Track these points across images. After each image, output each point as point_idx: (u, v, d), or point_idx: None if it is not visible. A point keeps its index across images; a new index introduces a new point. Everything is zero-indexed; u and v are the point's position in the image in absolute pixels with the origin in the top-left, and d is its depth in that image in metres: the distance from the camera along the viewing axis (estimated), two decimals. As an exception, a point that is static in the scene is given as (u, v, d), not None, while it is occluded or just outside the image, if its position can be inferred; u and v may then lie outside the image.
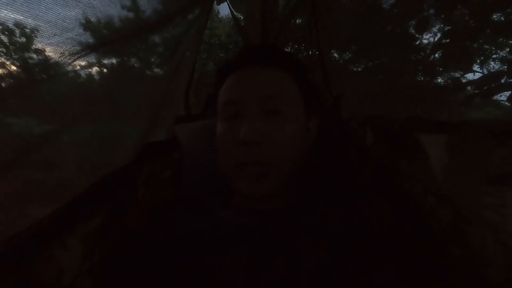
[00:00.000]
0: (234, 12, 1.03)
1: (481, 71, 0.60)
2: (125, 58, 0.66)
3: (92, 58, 0.57)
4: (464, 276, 0.37)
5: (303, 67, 0.55)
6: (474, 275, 0.36)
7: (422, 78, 0.71)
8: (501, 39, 0.61)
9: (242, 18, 1.07)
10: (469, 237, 0.36)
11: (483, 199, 0.36)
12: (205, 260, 0.40)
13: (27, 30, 0.48)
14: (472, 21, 0.61)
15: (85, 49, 0.51)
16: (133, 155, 0.55)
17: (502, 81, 0.53)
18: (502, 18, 0.56)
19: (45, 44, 0.49)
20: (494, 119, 0.43)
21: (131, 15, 0.62)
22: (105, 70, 0.59)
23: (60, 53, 0.49)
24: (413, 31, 0.67)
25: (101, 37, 0.52)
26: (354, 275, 0.37)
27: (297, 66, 0.53)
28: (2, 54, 0.46)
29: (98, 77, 0.58)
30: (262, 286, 0.37)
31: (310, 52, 0.95)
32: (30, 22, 0.46)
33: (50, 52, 0.50)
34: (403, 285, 0.37)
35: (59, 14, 0.48)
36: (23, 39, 0.48)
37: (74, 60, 0.49)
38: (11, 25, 0.45)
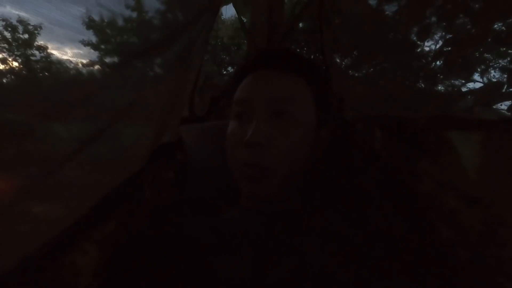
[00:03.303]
0: (234, 14, 1.03)
1: (481, 80, 0.61)
2: (127, 57, 0.66)
3: (94, 57, 0.57)
4: (477, 283, 0.36)
5: (321, 75, 0.55)
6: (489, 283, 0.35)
7: (423, 85, 0.71)
8: (502, 48, 0.62)
9: (245, 20, 1.08)
10: (501, 239, 0.35)
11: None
12: (211, 261, 0.40)
13: (30, 27, 0.48)
14: (473, 30, 0.62)
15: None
16: (145, 158, 0.55)
17: (503, 90, 0.53)
18: (503, 27, 0.57)
19: (48, 41, 0.49)
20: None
21: (134, 14, 0.62)
22: (107, 69, 0.59)
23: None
24: (415, 38, 0.67)
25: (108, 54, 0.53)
26: (360, 277, 0.37)
27: (314, 73, 0.53)
28: (4, 50, 0.46)
29: (100, 76, 0.58)
30: (268, 287, 0.37)
31: (312, 56, 0.95)
32: (33, 19, 0.46)
33: (52, 49, 0.50)
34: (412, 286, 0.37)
35: (63, 11, 0.48)
36: (26, 36, 0.48)
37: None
38: (14, 22, 0.45)
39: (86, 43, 0.56)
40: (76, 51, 0.54)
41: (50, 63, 0.53)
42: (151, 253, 0.43)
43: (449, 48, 0.63)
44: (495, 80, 0.57)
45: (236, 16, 1.10)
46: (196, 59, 0.73)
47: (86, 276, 0.39)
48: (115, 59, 0.63)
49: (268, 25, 0.88)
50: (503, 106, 0.52)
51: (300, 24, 1.14)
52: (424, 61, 0.71)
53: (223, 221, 0.47)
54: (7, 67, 0.47)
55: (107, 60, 0.60)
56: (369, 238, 0.41)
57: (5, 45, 0.47)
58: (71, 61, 0.55)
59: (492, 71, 0.62)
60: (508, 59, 0.62)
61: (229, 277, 0.39)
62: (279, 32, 0.89)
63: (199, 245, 0.42)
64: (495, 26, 0.58)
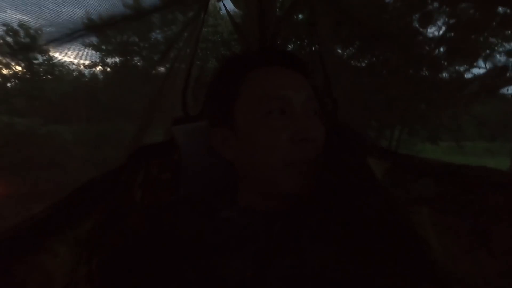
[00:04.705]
0: (234, 9, 1.02)
1: (485, 66, 0.59)
2: (128, 57, 0.67)
3: (95, 58, 0.57)
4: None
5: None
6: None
7: (426, 73, 0.70)
8: (507, 32, 0.60)
9: (242, 14, 1.06)
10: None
11: (412, 217, 0.39)
12: (210, 261, 0.40)
13: (31, 31, 0.48)
14: (477, 14, 0.60)
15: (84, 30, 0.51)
16: (125, 155, 0.55)
17: (507, 74, 0.53)
18: (508, 10, 0.55)
19: (49, 44, 0.50)
20: (420, 158, 0.48)
21: (133, 14, 0.62)
22: (108, 69, 0.60)
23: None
24: (417, 25, 0.66)
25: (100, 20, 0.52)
26: (359, 276, 0.37)
27: (310, 72, 0.54)
28: (7, 54, 0.47)
29: (102, 77, 0.58)
30: (267, 287, 0.37)
31: (313, 48, 0.94)
32: (33, 22, 0.46)
33: (54, 52, 0.50)
34: (407, 286, 0.37)
35: (63, 13, 0.48)
36: (28, 40, 0.48)
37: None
38: (15, 26, 0.45)
39: (87, 44, 0.56)
40: (77, 52, 0.54)
41: (53, 66, 0.53)
42: (148, 254, 0.43)
43: (452, 34, 0.62)
44: (500, 64, 0.56)
45: (237, 10, 1.08)
46: (185, 54, 0.73)
47: (59, 280, 0.38)
48: (116, 59, 0.63)
49: (259, 20, 0.86)
50: (510, 90, 0.51)
51: (300, 16, 1.12)
52: (427, 48, 0.69)
53: (222, 221, 0.47)
54: (10, 72, 0.48)
55: (109, 60, 0.61)
56: (367, 238, 0.41)
57: (8, 49, 0.47)
58: (73, 63, 0.56)
59: (497, 55, 0.61)
60: (514, 42, 0.60)
61: (229, 278, 0.39)
62: (270, 26, 0.88)
63: (198, 245, 0.42)
64: (500, 9, 0.57)
